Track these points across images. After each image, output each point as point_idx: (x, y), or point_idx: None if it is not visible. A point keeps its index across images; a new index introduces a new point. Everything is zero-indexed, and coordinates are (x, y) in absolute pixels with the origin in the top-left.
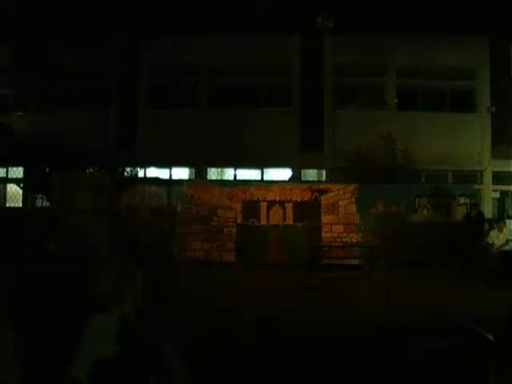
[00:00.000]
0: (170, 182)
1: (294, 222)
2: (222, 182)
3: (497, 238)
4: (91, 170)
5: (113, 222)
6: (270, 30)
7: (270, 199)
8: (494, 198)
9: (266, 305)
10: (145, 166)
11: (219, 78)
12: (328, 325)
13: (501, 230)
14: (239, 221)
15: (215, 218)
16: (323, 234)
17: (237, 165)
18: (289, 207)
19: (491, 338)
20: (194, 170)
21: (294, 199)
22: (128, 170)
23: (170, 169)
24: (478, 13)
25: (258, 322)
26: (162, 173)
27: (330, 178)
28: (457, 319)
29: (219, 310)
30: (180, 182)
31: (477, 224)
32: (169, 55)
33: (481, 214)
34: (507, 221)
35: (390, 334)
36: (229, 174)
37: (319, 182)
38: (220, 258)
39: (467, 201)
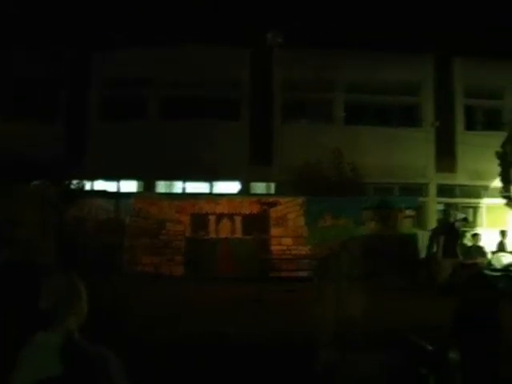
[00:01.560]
0: (118, 195)
1: (243, 234)
2: (171, 195)
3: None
4: (37, 182)
5: (59, 235)
6: (221, 43)
7: (218, 212)
8: (438, 210)
9: (216, 317)
10: (92, 178)
11: (169, 91)
12: (277, 335)
13: None
14: (188, 234)
15: (164, 232)
16: (272, 247)
17: (186, 178)
18: (238, 220)
19: (431, 348)
20: (142, 183)
21: (242, 212)
22: (75, 182)
23: (118, 181)
24: (423, 31)
25: (208, 332)
26: (109, 185)
27: (279, 191)
28: (401, 330)
29: (169, 322)
30: (128, 194)
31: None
32: (119, 67)
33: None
34: None
35: (337, 345)
36: (177, 187)
37: (268, 195)
38: (169, 271)
39: (412, 213)
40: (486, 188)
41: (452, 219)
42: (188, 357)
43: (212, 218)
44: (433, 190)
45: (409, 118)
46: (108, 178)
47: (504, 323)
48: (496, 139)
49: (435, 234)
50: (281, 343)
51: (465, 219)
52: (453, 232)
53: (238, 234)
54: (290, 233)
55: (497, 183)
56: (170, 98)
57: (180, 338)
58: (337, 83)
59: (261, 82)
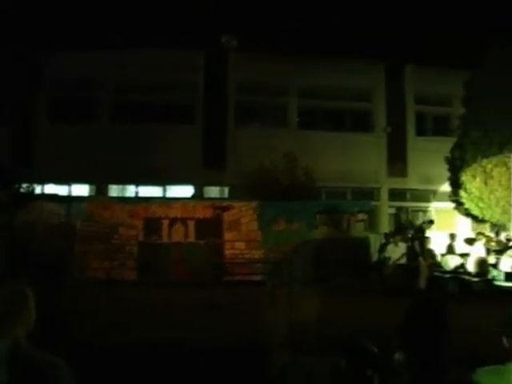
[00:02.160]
0: (70, 199)
1: (196, 239)
2: (124, 199)
3: (393, 252)
4: None
5: (6, 240)
6: (175, 46)
7: (172, 216)
8: (390, 214)
9: (170, 322)
10: (43, 182)
11: (122, 93)
12: (231, 339)
13: (397, 245)
14: (141, 238)
15: (116, 236)
16: (226, 251)
17: (138, 182)
18: (191, 224)
19: (376, 350)
20: (94, 187)
21: (196, 216)
22: (24, 185)
23: (70, 185)
24: (375, 39)
25: (162, 338)
26: (60, 189)
27: (233, 195)
28: (351, 333)
29: (121, 327)
30: (80, 198)
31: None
32: (70, 69)
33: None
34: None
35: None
36: (130, 191)
37: (221, 199)
38: (121, 276)
39: (365, 217)
40: (435, 192)
41: (419, 222)
42: (142, 361)
43: (165, 223)
44: (384, 194)
45: (361, 123)
46: (59, 181)
47: (452, 324)
48: (445, 145)
49: (411, 239)
50: (234, 347)
51: (431, 221)
52: (422, 235)
53: (192, 239)
54: (244, 237)
55: (445, 187)
56: (122, 101)
57: (134, 343)
58: (290, 88)
59: (215, 85)
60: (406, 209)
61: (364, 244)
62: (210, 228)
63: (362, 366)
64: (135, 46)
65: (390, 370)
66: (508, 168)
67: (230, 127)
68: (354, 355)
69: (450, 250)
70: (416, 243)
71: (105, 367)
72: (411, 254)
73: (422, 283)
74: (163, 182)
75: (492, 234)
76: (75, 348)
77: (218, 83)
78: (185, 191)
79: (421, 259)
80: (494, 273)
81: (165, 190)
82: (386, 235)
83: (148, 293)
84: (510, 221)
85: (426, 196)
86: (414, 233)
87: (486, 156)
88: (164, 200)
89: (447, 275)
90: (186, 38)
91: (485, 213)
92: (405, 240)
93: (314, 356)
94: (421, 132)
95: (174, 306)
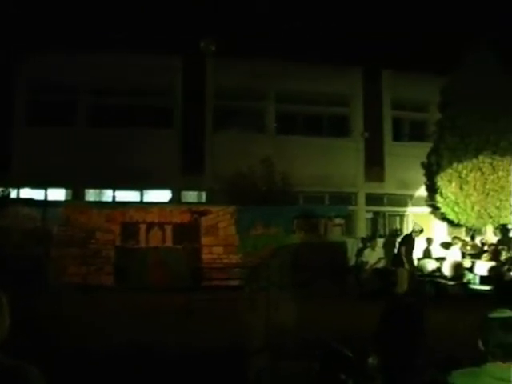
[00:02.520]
0: (46, 204)
1: (173, 243)
2: (101, 204)
3: (370, 257)
4: None
5: None
6: (153, 49)
7: (149, 221)
8: (367, 219)
9: (147, 326)
10: (18, 186)
11: (99, 97)
12: (210, 344)
13: (373, 249)
14: (118, 243)
15: (93, 241)
16: (203, 256)
17: (115, 186)
18: (168, 229)
19: (350, 354)
20: (70, 191)
21: (173, 221)
22: (0, 190)
23: (46, 190)
24: (352, 44)
25: (140, 343)
26: (36, 194)
27: (210, 200)
28: (326, 338)
29: (99, 333)
30: (56, 203)
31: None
32: (47, 72)
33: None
34: (379, 240)
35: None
36: (107, 195)
37: (199, 203)
38: (98, 281)
39: (342, 221)
40: (412, 197)
41: (409, 230)
42: (120, 366)
43: (142, 227)
44: (362, 198)
45: (339, 128)
46: (35, 185)
47: (428, 327)
48: (422, 150)
49: (400, 246)
50: (212, 352)
51: (421, 230)
52: (410, 242)
53: (169, 243)
54: (221, 241)
55: (422, 192)
56: (100, 105)
57: (111, 349)
58: (268, 92)
59: (193, 89)
60: (383, 214)
61: (341, 248)
62: (188, 233)
63: (335, 370)
64: (113, 48)
65: (364, 374)
66: (483, 173)
67: (207, 132)
68: (328, 359)
69: (427, 254)
70: (403, 249)
71: (81, 372)
72: (397, 260)
73: (402, 288)
74: (140, 186)
75: (467, 238)
76: (50, 354)
77: (197, 87)
78: (162, 196)
79: (406, 266)
80: (469, 276)
81: (142, 195)
82: (363, 240)
83: (125, 298)
84: (484, 225)
85: (403, 201)
86: (402, 240)
87: (461, 161)
88: (141, 204)
89: (424, 279)
90: (163, 42)
91: (460, 217)
92: (389, 246)
93: (291, 360)
94: (398, 137)
95: (152, 311)
